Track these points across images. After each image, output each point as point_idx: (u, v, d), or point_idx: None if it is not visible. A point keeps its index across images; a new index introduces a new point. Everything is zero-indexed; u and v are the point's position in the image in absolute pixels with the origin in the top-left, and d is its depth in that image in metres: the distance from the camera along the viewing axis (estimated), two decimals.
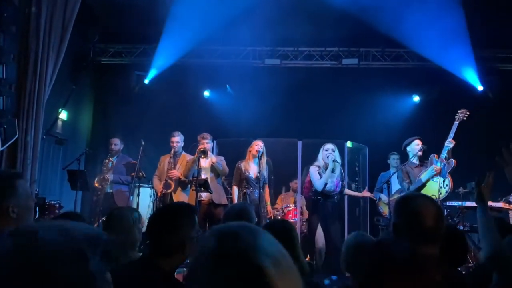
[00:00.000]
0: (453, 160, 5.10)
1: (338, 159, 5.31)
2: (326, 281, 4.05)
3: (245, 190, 5.42)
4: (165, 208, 2.07)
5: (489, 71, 7.41)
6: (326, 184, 5.19)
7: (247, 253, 0.70)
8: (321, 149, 5.39)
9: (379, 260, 1.44)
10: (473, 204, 5.17)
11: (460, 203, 5.26)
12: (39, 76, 4.86)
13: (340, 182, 5.39)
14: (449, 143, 5.04)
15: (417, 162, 5.26)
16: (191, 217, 1.88)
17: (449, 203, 5.55)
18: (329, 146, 5.33)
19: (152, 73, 7.69)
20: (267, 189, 5.66)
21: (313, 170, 5.33)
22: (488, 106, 7.34)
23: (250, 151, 5.53)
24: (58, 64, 5.13)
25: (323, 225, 5.21)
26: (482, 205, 2.09)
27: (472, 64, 7.13)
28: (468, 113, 5.11)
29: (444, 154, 5.08)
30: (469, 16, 6.37)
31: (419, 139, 5.35)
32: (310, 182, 5.37)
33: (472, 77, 7.31)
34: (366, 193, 5.77)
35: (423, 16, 6.33)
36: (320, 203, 5.27)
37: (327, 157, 5.26)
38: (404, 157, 5.76)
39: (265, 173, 5.53)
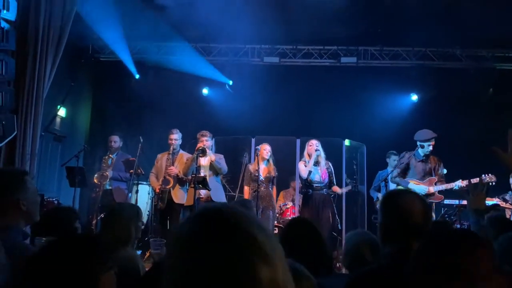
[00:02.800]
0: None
1: (322, 153, 5.58)
2: None
3: (254, 189, 5.55)
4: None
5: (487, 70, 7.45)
6: (310, 172, 5.48)
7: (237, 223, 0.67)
8: (306, 145, 5.71)
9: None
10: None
11: (457, 201, 5.29)
12: (38, 73, 4.86)
13: (328, 176, 5.59)
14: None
15: (423, 158, 5.18)
16: None
17: (446, 201, 5.58)
18: (313, 141, 5.64)
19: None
20: (274, 189, 5.86)
21: (300, 164, 5.69)
22: (487, 103, 7.39)
23: (259, 155, 5.62)
24: (56, 61, 5.13)
25: (313, 217, 5.29)
26: (477, 218, 2.02)
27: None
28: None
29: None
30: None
31: (435, 138, 5.15)
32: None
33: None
34: (335, 189, 5.77)
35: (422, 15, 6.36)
36: (309, 195, 5.54)
37: (313, 150, 5.54)
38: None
39: (274, 174, 5.77)
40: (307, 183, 5.57)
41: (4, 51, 4.33)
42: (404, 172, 5.23)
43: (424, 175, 5.16)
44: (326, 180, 5.58)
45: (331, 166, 5.71)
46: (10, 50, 4.42)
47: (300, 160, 5.77)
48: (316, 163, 5.54)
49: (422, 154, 5.16)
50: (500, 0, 5.95)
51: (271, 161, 5.78)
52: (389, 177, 5.37)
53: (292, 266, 1.45)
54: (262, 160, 5.66)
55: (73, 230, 2.40)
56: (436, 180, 5.06)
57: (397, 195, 1.73)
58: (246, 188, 5.80)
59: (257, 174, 5.54)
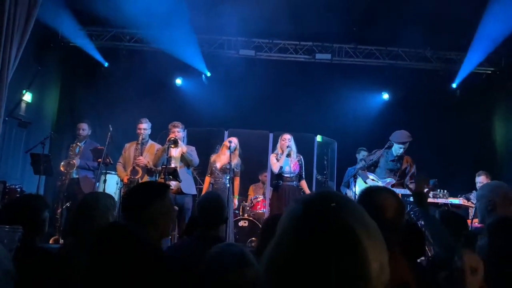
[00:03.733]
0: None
1: (294, 147, 5.65)
2: None
3: (212, 180, 5.65)
4: (137, 186, 2.15)
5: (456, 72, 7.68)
6: (281, 167, 5.55)
7: (334, 210, 0.70)
8: (279, 139, 5.74)
9: None
10: (434, 200, 5.37)
11: None
12: (2, 55, 4.65)
13: (299, 167, 5.67)
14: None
15: (395, 157, 5.26)
16: (163, 194, 1.98)
17: (411, 198, 5.73)
18: (286, 136, 5.68)
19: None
20: (236, 181, 5.71)
21: (272, 158, 5.73)
22: (454, 104, 7.63)
23: (224, 144, 5.65)
24: (23, 44, 4.93)
25: (283, 209, 5.34)
26: (423, 210, 2.15)
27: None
28: None
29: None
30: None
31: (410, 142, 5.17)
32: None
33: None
34: (303, 184, 5.82)
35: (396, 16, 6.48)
36: (280, 186, 5.61)
37: (285, 146, 5.60)
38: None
39: (234, 165, 5.60)
40: (277, 175, 5.65)
41: None
42: (372, 168, 5.34)
43: (391, 175, 5.29)
44: (297, 171, 5.65)
45: (302, 159, 5.78)
46: None
47: (272, 154, 5.80)
48: (288, 156, 5.59)
49: (394, 154, 5.24)
50: (469, 7, 6.14)
51: (236, 152, 5.61)
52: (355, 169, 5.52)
53: (239, 252, 1.48)
54: (226, 150, 5.59)
55: (41, 220, 2.31)
56: (395, 183, 5.17)
57: (373, 191, 1.82)
58: (207, 179, 5.74)
59: (215, 164, 5.62)
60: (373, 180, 5.24)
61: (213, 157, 5.75)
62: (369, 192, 1.83)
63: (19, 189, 5.21)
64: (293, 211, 0.73)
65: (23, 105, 6.69)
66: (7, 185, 5.17)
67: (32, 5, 4.88)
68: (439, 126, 7.50)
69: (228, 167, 5.47)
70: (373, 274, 0.67)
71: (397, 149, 5.19)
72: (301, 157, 5.78)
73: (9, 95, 5.05)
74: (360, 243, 0.67)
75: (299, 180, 5.75)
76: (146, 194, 1.96)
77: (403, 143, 5.14)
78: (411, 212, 5.64)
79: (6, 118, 5.38)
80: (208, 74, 7.94)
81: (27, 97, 6.77)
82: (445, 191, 5.09)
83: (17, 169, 6.56)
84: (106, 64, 7.87)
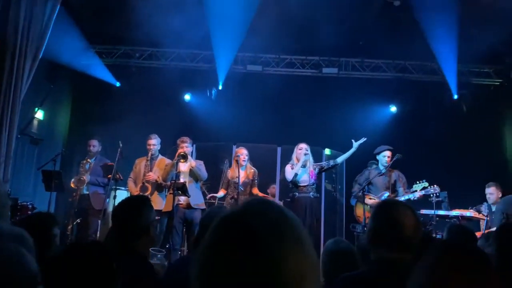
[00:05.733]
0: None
1: (310, 158, 5.62)
2: None
3: (232, 195, 5.54)
4: (126, 200, 2.37)
5: (464, 85, 7.66)
6: (296, 174, 5.47)
7: (241, 215, 0.71)
8: (295, 148, 5.69)
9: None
10: (446, 213, 5.38)
11: (433, 211, 5.40)
12: (16, 74, 4.78)
13: (316, 177, 5.62)
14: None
15: (383, 171, 5.62)
16: (148, 204, 2.25)
17: (422, 211, 5.70)
18: (303, 145, 5.64)
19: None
20: (256, 191, 5.78)
21: (287, 167, 5.67)
22: (460, 119, 7.61)
23: (236, 160, 5.59)
24: (36, 63, 5.06)
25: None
26: None
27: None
28: None
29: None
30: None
31: (389, 150, 5.68)
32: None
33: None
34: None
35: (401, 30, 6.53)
36: (295, 198, 5.52)
37: (302, 154, 5.54)
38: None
39: (252, 177, 5.73)
40: (293, 185, 5.55)
41: None
42: (367, 186, 5.56)
43: (385, 189, 5.58)
44: (313, 180, 5.54)
45: (318, 169, 5.72)
46: None
47: (288, 164, 5.71)
48: (304, 166, 5.53)
49: (381, 168, 5.66)
50: (474, 22, 6.17)
51: (249, 165, 5.75)
52: (353, 193, 5.78)
53: None
54: (240, 166, 5.57)
55: (51, 236, 2.36)
56: (394, 195, 5.44)
57: (391, 205, 1.78)
58: (220, 192, 5.74)
59: (236, 181, 5.48)
60: (370, 199, 5.50)
61: (230, 174, 5.68)
62: (386, 206, 1.79)
63: (30, 206, 5.25)
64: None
65: (35, 122, 6.81)
66: (19, 202, 5.22)
67: (45, 26, 5.03)
68: (448, 138, 7.47)
69: (247, 180, 5.64)
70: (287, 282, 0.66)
71: (382, 159, 5.66)
72: (317, 168, 5.73)
73: (22, 112, 5.17)
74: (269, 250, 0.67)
75: (317, 192, 5.67)
76: (137, 205, 2.19)
77: (382, 151, 5.66)
78: (427, 227, 5.60)
79: (19, 136, 5.49)
80: (220, 87, 7.93)
81: (39, 114, 6.88)
82: (435, 186, 5.25)
83: (29, 186, 6.64)
84: (117, 84, 7.98)
